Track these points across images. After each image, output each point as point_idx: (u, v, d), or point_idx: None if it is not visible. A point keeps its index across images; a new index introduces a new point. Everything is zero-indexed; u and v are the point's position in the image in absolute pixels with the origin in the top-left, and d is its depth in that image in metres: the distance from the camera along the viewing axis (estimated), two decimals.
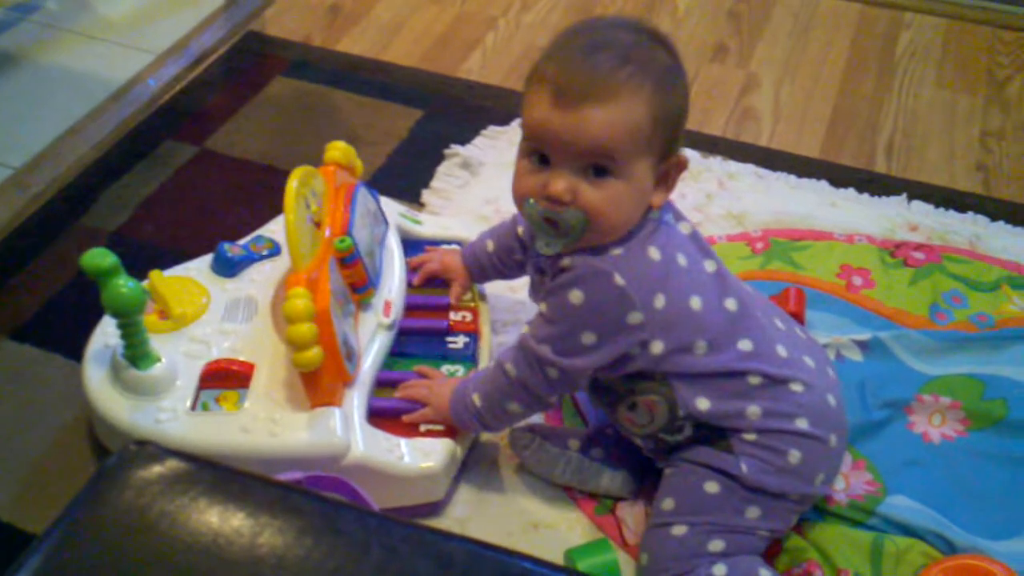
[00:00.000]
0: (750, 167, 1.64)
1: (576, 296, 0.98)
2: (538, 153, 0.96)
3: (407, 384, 1.16)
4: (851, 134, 1.75)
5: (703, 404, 1.02)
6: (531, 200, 0.97)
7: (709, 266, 1.04)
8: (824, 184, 1.61)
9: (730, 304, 1.03)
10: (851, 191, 1.59)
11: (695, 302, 1.00)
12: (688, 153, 1.64)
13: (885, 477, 1.16)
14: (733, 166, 1.64)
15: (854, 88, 1.85)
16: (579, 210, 0.95)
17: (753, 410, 1.02)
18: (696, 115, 1.77)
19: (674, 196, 1.52)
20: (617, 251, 0.98)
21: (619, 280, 0.97)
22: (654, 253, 0.99)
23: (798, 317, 1.27)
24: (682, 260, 1.01)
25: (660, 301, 0.98)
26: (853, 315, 1.36)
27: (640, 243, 0.99)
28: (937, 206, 1.57)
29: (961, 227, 1.52)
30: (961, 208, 1.57)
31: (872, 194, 1.59)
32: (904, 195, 1.58)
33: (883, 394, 1.24)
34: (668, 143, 0.97)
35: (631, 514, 1.14)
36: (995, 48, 1.96)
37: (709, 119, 1.77)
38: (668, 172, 1.00)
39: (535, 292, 1.11)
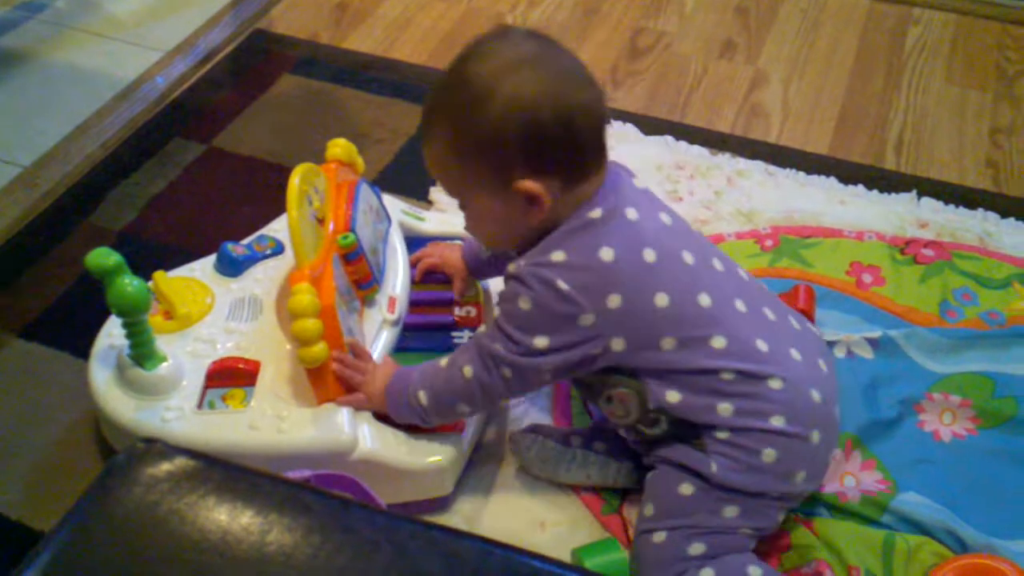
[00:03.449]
0: (759, 164, 1.63)
1: (524, 302, 0.99)
2: None
3: (343, 362, 1.09)
4: (860, 131, 1.74)
5: (673, 397, 1.01)
6: None
7: (687, 257, 1.02)
8: (833, 181, 1.60)
9: (703, 300, 1.01)
10: (860, 188, 1.59)
11: (661, 299, 0.99)
12: (697, 150, 1.65)
13: (895, 476, 1.15)
14: (742, 163, 1.63)
15: (863, 85, 1.84)
16: None
17: (725, 407, 1.00)
18: (705, 112, 1.76)
19: (683, 193, 1.55)
20: (559, 256, 0.98)
21: (562, 285, 0.97)
22: (606, 254, 0.98)
23: (808, 315, 1.26)
24: (650, 256, 0.99)
25: (615, 301, 0.98)
26: (863, 313, 1.35)
27: (587, 246, 0.98)
28: (947, 203, 1.56)
29: (971, 224, 1.52)
30: (971, 205, 1.56)
31: (881, 191, 1.58)
32: (914, 192, 1.58)
33: (893, 392, 1.23)
34: (501, 168, 0.96)
35: (637, 513, 1.14)
36: (1004, 44, 1.95)
37: (718, 116, 1.76)
38: (530, 194, 0.97)
39: None
